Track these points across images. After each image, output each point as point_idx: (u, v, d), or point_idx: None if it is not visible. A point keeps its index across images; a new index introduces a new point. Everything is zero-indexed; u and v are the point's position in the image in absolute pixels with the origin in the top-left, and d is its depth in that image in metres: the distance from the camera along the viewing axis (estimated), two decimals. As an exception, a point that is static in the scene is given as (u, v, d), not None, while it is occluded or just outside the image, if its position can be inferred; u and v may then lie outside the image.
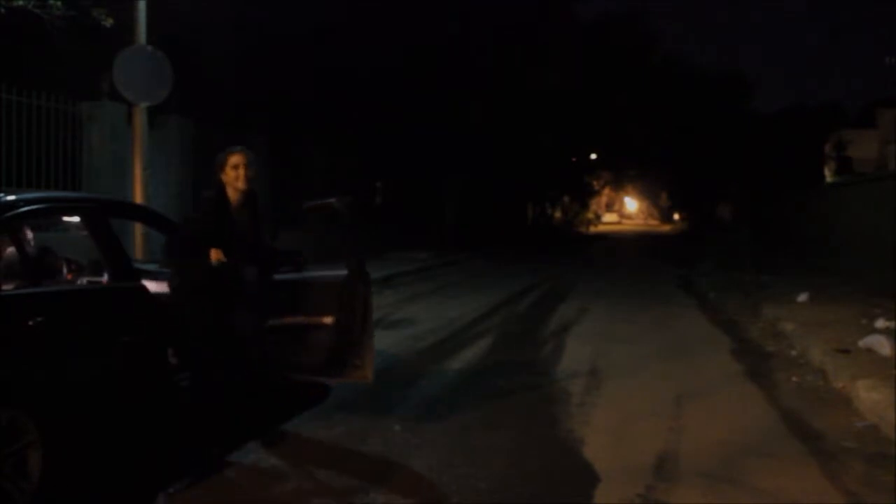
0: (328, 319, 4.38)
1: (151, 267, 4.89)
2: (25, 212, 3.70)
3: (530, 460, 4.19)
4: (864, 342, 6.49)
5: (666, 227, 61.43)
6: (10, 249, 3.81)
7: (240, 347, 4.22)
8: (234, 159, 4.34)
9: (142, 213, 5.47)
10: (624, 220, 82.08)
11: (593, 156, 43.72)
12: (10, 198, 3.65)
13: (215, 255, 3.97)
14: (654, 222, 76.75)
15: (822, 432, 4.62)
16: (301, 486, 3.72)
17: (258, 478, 3.81)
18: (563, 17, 29.85)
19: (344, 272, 4.42)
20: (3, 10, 7.32)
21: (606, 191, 67.28)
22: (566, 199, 49.03)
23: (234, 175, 4.32)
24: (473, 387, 5.86)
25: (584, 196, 52.43)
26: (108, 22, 7.91)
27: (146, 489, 3.70)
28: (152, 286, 4.35)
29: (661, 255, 23.77)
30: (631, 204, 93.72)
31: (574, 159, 40.40)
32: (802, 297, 9.83)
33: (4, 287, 3.59)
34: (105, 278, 4.12)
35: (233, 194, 4.35)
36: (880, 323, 7.38)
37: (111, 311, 3.99)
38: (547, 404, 5.33)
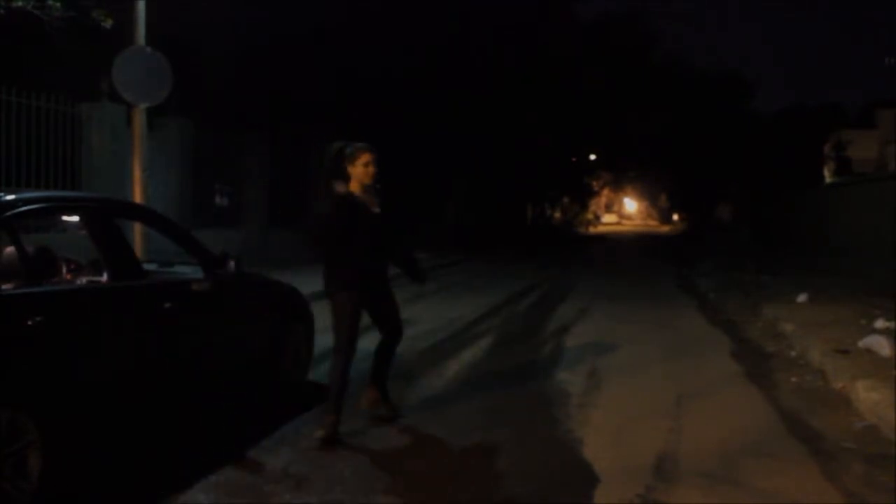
0: None
1: (152, 267, 4.89)
2: (25, 211, 3.69)
3: (530, 460, 4.19)
4: (863, 342, 6.49)
5: (665, 228, 61.48)
6: (9, 249, 3.80)
7: None
8: (366, 157, 4.60)
9: (142, 214, 5.46)
10: (623, 221, 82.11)
11: (593, 156, 43.72)
12: (10, 197, 3.65)
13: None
14: (653, 223, 76.80)
15: (821, 433, 4.61)
16: (300, 487, 3.71)
17: (258, 478, 3.81)
18: (563, 17, 29.85)
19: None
20: (2, 11, 7.32)
21: (606, 191, 67.33)
22: (566, 199, 49.06)
23: (364, 171, 4.57)
24: (473, 387, 5.85)
25: (584, 197, 52.46)
26: (108, 23, 7.91)
27: (146, 490, 3.71)
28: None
29: (660, 256, 23.78)
30: (630, 205, 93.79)
31: (574, 159, 40.40)
32: (802, 298, 9.83)
33: (3, 287, 3.59)
34: (105, 278, 4.12)
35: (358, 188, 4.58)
36: (880, 323, 7.38)
37: (113, 310, 3.99)
38: (547, 404, 5.33)
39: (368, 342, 7.54)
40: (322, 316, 7.39)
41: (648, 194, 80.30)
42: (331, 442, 4.30)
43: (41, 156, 9.30)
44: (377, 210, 4.65)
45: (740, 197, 36.10)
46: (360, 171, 4.57)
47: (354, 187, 4.57)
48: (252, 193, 14.77)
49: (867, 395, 4.99)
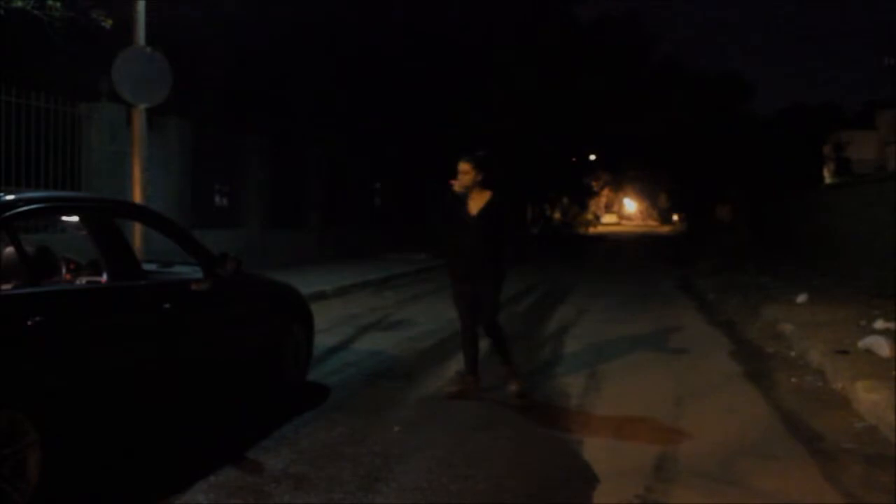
0: None
1: (152, 267, 4.89)
2: (25, 211, 3.69)
3: (529, 461, 4.19)
4: (863, 343, 6.49)
5: (665, 228, 61.52)
6: (9, 249, 3.80)
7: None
8: (461, 166, 5.30)
9: (141, 214, 5.45)
10: (623, 221, 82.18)
11: (592, 157, 43.73)
12: (10, 197, 3.64)
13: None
14: (653, 223, 76.86)
15: (821, 433, 4.62)
16: (300, 487, 3.72)
17: (258, 479, 3.81)
18: (563, 19, 29.86)
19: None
20: (2, 12, 7.31)
21: (605, 192, 67.38)
22: (565, 200, 49.07)
23: (460, 178, 5.30)
24: (473, 387, 5.85)
25: (584, 197, 52.46)
26: (108, 23, 7.91)
27: (146, 490, 3.71)
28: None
29: (660, 256, 23.79)
30: (630, 205, 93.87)
31: (574, 160, 40.41)
32: (801, 298, 9.84)
33: (3, 287, 3.58)
34: (104, 278, 4.12)
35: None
36: (879, 324, 7.38)
37: (112, 310, 3.99)
38: (546, 405, 5.33)
39: (369, 343, 7.58)
40: (322, 316, 7.41)
41: (648, 195, 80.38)
42: (460, 396, 5.35)
43: (41, 156, 9.30)
44: (475, 211, 5.31)
45: (740, 197, 36.11)
46: (466, 180, 5.28)
47: (458, 189, 5.32)
48: (252, 193, 14.77)
49: (867, 396, 4.99)
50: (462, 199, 5.31)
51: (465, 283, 5.37)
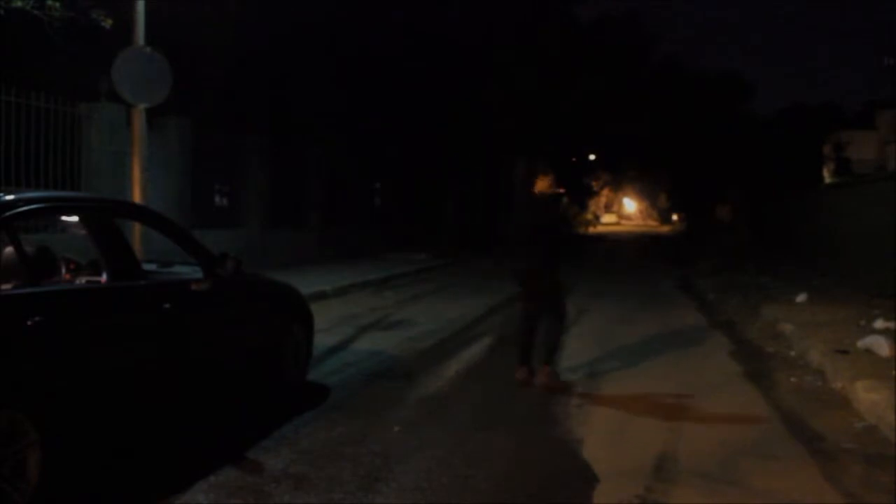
0: None
1: (152, 267, 4.89)
2: (25, 211, 3.69)
3: (530, 461, 4.19)
4: (862, 343, 6.50)
5: (665, 228, 61.50)
6: (9, 249, 3.80)
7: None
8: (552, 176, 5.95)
9: (141, 214, 5.45)
10: (623, 221, 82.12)
11: (592, 157, 43.71)
12: (10, 197, 3.64)
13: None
14: (652, 223, 76.80)
15: (821, 433, 4.62)
16: (300, 487, 3.72)
17: (258, 479, 3.81)
18: (563, 19, 29.87)
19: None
20: (2, 12, 7.31)
21: (605, 192, 67.35)
22: (565, 199, 49.04)
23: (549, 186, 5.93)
24: (473, 388, 5.86)
25: (583, 197, 52.44)
26: (108, 23, 7.90)
27: (146, 490, 3.71)
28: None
29: (660, 256, 23.79)
30: (630, 205, 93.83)
31: (574, 160, 40.39)
32: (801, 298, 9.84)
33: (3, 287, 3.58)
34: (104, 278, 4.12)
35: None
36: (879, 324, 7.38)
37: (112, 310, 3.99)
38: (546, 405, 5.33)
39: (369, 343, 7.58)
40: (322, 316, 7.41)
41: (648, 194, 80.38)
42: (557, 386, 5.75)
43: (41, 156, 9.30)
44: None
45: (740, 197, 36.12)
46: (544, 185, 5.90)
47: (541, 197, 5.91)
48: (252, 193, 14.77)
49: (867, 396, 5.00)
50: (557, 205, 6.09)
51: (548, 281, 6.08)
